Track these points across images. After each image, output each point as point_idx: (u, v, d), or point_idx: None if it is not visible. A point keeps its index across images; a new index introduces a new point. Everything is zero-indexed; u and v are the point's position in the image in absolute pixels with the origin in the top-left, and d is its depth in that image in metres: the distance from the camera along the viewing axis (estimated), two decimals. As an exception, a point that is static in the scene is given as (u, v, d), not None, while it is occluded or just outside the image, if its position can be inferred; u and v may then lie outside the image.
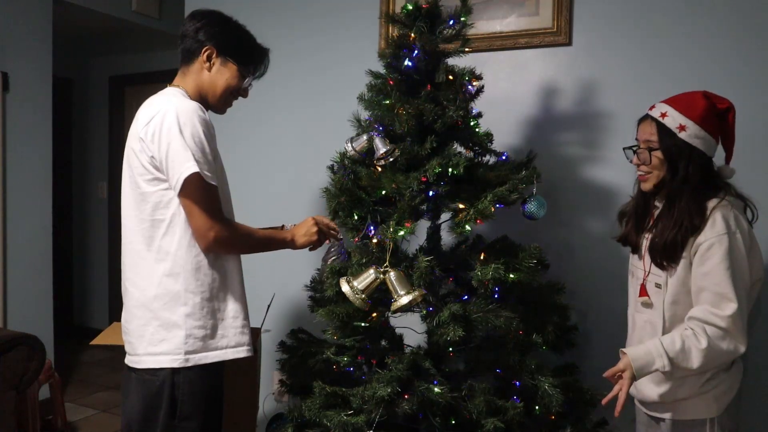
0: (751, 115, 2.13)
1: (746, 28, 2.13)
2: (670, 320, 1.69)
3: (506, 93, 2.45)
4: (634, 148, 1.75)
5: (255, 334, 2.29)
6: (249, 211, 2.95)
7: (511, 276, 1.75)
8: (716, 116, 1.67)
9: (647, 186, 1.74)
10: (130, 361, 1.74)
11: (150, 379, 1.68)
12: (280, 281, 2.83)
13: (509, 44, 2.44)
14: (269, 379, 2.81)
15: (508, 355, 1.83)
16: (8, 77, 3.37)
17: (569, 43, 2.36)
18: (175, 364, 1.66)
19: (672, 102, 1.69)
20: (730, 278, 1.58)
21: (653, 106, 1.73)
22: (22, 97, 3.46)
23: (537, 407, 1.81)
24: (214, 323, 1.71)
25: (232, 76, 1.80)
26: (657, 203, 1.79)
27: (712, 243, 1.60)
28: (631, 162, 1.78)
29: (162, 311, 1.68)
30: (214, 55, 1.77)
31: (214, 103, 1.82)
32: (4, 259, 3.37)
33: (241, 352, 1.75)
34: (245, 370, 2.22)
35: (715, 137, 1.68)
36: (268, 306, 2.50)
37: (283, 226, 2.02)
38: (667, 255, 1.67)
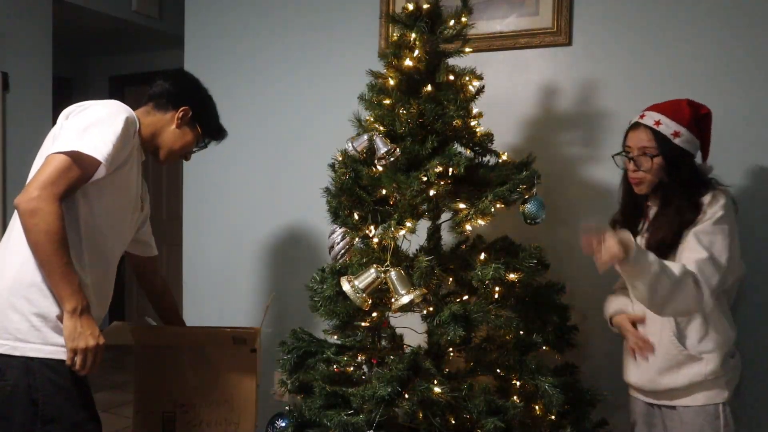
0: (755, 114, 2.13)
1: (748, 27, 2.13)
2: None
3: (506, 93, 2.45)
4: (628, 155, 1.82)
5: (255, 334, 2.29)
6: (250, 211, 2.95)
7: (511, 276, 1.75)
8: (698, 121, 1.79)
9: (643, 189, 1.81)
10: None
11: None
12: (280, 281, 2.83)
13: (509, 44, 2.44)
14: (269, 379, 2.80)
15: (508, 355, 1.83)
16: (8, 77, 3.37)
17: (569, 43, 2.36)
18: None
19: (660, 110, 1.79)
20: (726, 246, 1.67)
21: (643, 115, 1.81)
22: (22, 97, 3.46)
23: (537, 407, 1.82)
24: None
25: (192, 140, 1.94)
26: (650, 204, 1.84)
27: (712, 216, 1.69)
28: (622, 168, 1.86)
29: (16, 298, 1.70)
30: (188, 117, 1.90)
31: (165, 155, 1.92)
32: (3, 259, 3.36)
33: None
34: (245, 369, 2.22)
35: (699, 139, 1.80)
36: (268, 306, 2.50)
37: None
38: (665, 250, 1.72)
